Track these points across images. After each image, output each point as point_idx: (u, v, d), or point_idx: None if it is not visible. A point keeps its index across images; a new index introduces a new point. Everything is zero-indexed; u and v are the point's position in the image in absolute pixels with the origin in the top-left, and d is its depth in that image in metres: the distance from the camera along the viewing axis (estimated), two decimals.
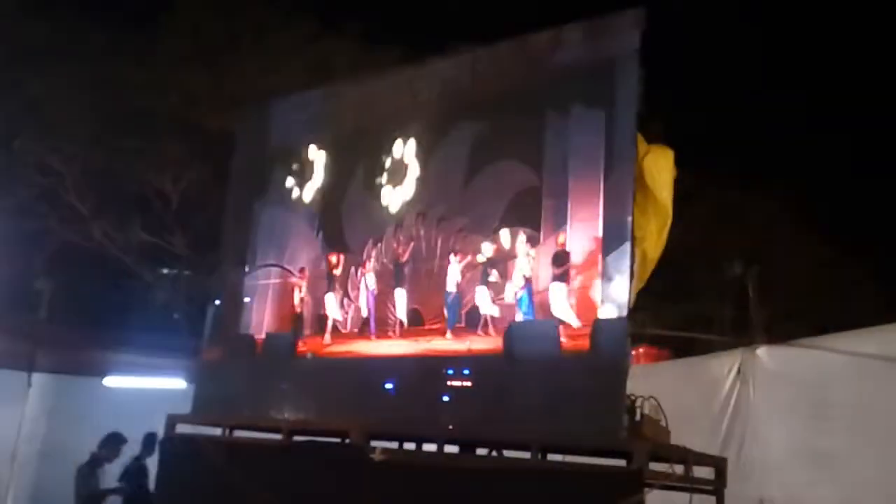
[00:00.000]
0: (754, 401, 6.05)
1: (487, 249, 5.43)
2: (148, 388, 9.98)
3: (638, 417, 4.51)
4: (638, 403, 4.54)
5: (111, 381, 10.00)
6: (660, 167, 5.07)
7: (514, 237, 5.34)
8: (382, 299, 5.87)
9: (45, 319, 10.64)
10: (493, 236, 5.45)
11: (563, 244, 5.08)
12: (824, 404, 5.44)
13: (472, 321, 5.40)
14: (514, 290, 5.23)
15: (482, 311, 5.37)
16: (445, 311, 5.51)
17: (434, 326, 5.57)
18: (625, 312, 4.61)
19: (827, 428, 5.34)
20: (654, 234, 5.07)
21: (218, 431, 6.14)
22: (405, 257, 5.81)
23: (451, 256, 5.56)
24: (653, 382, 5.09)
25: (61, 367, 9.77)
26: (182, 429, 6.38)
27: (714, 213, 9.87)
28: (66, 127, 11.74)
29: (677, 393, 5.66)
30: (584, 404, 4.52)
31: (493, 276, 5.37)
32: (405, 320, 5.72)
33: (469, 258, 5.49)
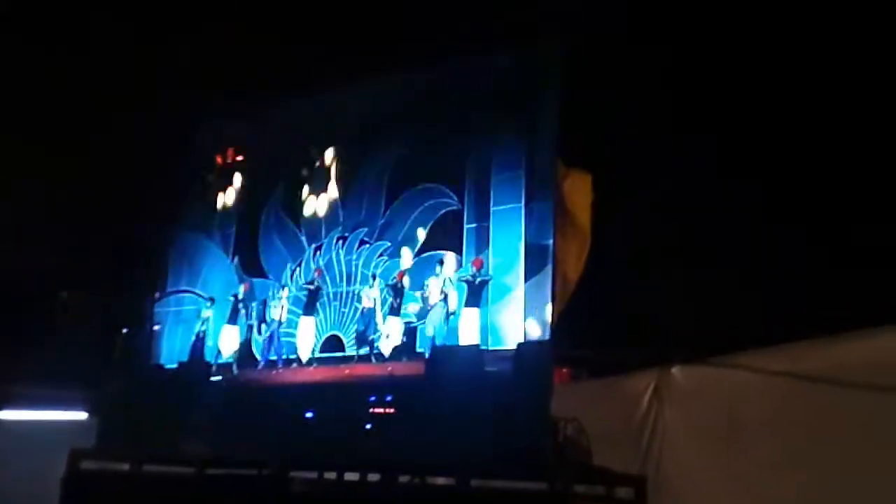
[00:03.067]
0: (670, 420, 6.15)
1: (407, 273, 5.40)
2: (46, 421, 9.46)
3: (561, 439, 4.54)
4: (561, 425, 4.57)
5: (6, 415, 9.43)
6: (579, 191, 5.19)
7: (436, 261, 5.34)
8: (301, 325, 5.76)
9: None
10: (414, 260, 5.43)
11: (479, 268, 5.09)
12: (738, 423, 5.57)
13: (394, 347, 5.35)
14: (434, 314, 5.22)
15: (396, 336, 5.33)
16: (365, 337, 5.45)
17: (353, 353, 5.51)
18: (547, 335, 4.66)
19: (741, 447, 5.46)
20: (574, 256, 5.17)
21: (126, 467, 5.85)
22: (322, 283, 5.73)
23: (371, 281, 5.51)
24: (570, 402, 5.11)
25: None
26: (87, 465, 6.05)
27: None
28: None
29: (594, 413, 5.70)
30: (508, 428, 4.52)
31: (413, 300, 5.35)
32: (317, 348, 5.63)
33: (390, 282, 5.45)
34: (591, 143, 5.41)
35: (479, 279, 5.10)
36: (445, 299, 5.20)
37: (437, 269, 5.27)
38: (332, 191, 5.96)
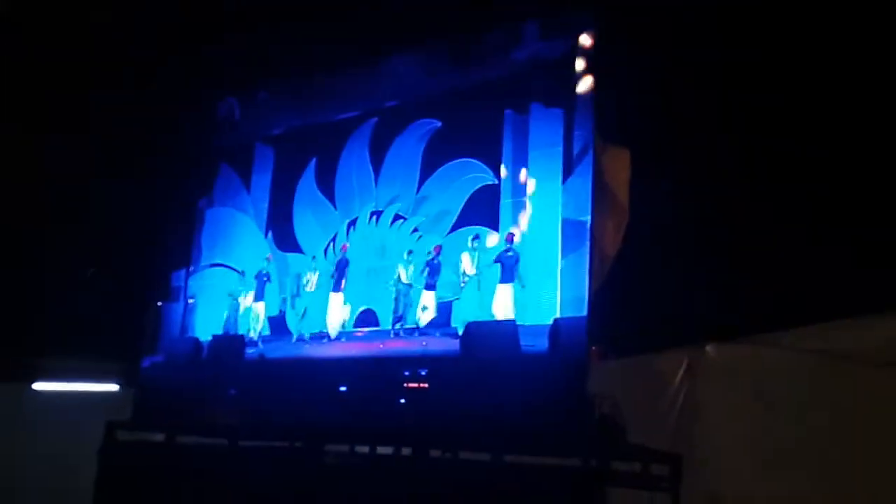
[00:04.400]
0: (703, 398, 6.13)
1: (443, 249, 5.40)
2: (81, 392, 9.63)
3: (597, 416, 4.55)
4: (597, 402, 4.58)
5: (41, 386, 9.61)
6: (617, 167, 5.15)
7: (470, 236, 5.33)
8: (336, 301, 5.79)
9: None
10: (449, 235, 5.44)
11: (511, 243, 5.10)
12: (772, 401, 5.55)
13: (429, 322, 5.37)
14: (468, 289, 5.23)
15: (431, 311, 5.34)
16: (400, 312, 5.47)
17: (388, 327, 5.54)
18: (584, 311, 4.66)
19: (775, 425, 5.45)
20: (612, 232, 5.13)
21: (161, 438, 5.97)
22: (349, 258, 5.76)
23: (406, 256, 5.53)
24: (603, 380, 5.11)
25: None
26: (122, 436, 6.18)
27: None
28: None
29: (628, 391, 5.69)
30: (544, 404, 4.55)
31: (447, 275, 5.36)
32: (351, 322, 5.68)
33: (424, 257, 5.47)
34: (630, 119, 5.35)
35: (510, 254, 5.09)
36: (480, 275, 5.20)
37: (472, 243, 5.26)
38: (367, 164, 5.96)
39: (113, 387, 9.13)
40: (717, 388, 6.12)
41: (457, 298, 5.31)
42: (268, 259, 6.11)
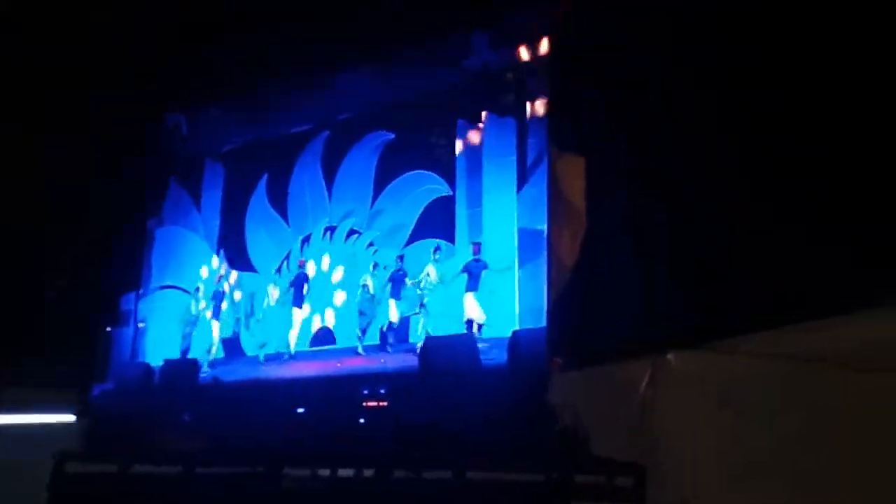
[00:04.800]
0: (667, 408, 6.08)
1: (398, 262, 5.32)
2: (35, 425, 9.29)
3: (559, 428, 4.50)
4: (559, 414, 4.52)
5: None
6: (572, 175, 5.09)
7: (427, 249, 5.27)
8: (298, 317, 5.67)
9: None
10: (405, 248, 5.36)
11: (477, 252, 5.02)
12: (740, 409, 5.50)
13: (386, 337, 5.28)
14: (425, 301, 5.15)
15: (393, 325, 5.26)
16: (358, 329, 5.37)
17: (347, 345, 5.43)
18: (543, 322, 4.60)
19: (744, 434, 5.40)
20: (569, 241, 5.07)
21: (114, 468, 5.74)
22: (311, 275, 5.65)
23: (372, 269, 5.42)
24: (565, 391, 5.04)
25: None
26: (73, 468, 5.93)
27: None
28: None
29: (590, 401, 5.63)
30: (505, 418, 4.45)
31: (405, 289, 5.27)
32: (307, 341, 5.56)
33: (380, 272, 5.37)
34: (582, 127, 5.31)
35: (478, 262, 5.02)
36: (444, 285, 5.12)
37: (434, 256, 5.18)
38: (319, 179, 5.86)
39: (68, 418, 8.84)
40: (681, 396, 6.02)
41: (416, 313, 5.22)
42: (219, 278, 5.93)
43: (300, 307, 5.59)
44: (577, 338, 5.90)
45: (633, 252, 6.20)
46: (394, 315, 5.26)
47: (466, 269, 5.05)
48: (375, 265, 5.32)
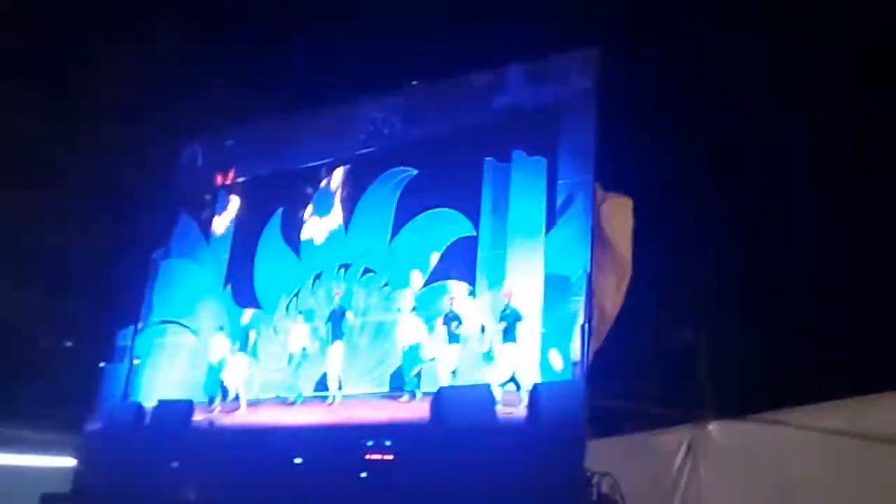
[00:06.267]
0: (706, 481, 5.73)
1: (412, 303, 5.01)
2: (34, 467, 9.05)
3: (595, 497, 4.12)
4: (595, 481, 4.16)
5: None
6: (618, 216, 4.78)
7: (445, 292, 4.94)
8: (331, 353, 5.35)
9: None
10: (421, 291, 5.05)
11: (510, 300, 4.69)
12: (785, 484, 5.12)
13: (394, 384, 4.93)
14: (459, 350, 4.81)
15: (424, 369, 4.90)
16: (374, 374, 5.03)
17: (352, 391, 5.09)
18: (579, 374, 4.22)
19: None
20: (613, 288, 4.72)
21: None
22: (340, 305, 5.35)
23: (410, 311, 5.08)
24: (594, 460, 4.69)
25: None
26: None
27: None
28: None
29: (621, 472, 5.27)
30: (531, 480, 4.06)
31: (420, 333, 4.95)
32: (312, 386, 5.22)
33: (394, 314, 5.06)
34: (629, 166, 5.03)
35: (507, 312, 4.67)
36: (459, 334, 4.78)
37: (452, 300, 4.86)
38: (336, 215, 5.62)
39: (68, 461, 8.56)
40: (723, 470, 5.72)
41: (431, 359, 4.89)
42: (245, 318, 5.68)
43: (340, 338, 5.26)
44: (614, 395, 5.53)
45: (678, 306, 5.86)
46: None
47: (503, 318, 4.69)
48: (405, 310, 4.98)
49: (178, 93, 6.46)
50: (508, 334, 4.65)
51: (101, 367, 6.15)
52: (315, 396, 5.24)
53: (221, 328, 5.83)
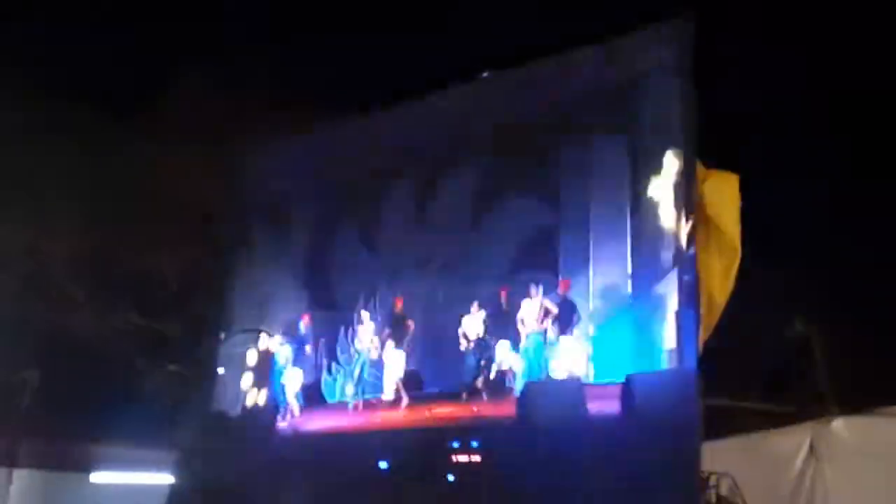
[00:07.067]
0: (832, 480, 5.19)
1: (497, 299, 4.74)
2: (137, 485, 9.22)
3: (713, 500, 3.84)
4: (712, 482, 3.87)
5: (99, 477, 9.27)
6: (724, 195, 4.31)
7: (529, 283, 4.65)
8: (377, 362, 5.17)
9: (27, 410, 10.00)
10: (504, 283, 4.77)
11: (566, 290, 4.44)
12: None
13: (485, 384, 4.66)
14: (530, 343, 4.51)
15: (501, 366, 4.65)
16: (461, 372, 4.78)
17: (435, 390, 4.85)
18: (691, 364, 3.86)
19: None
20: (720, 273, 4.27)
21: None
22: (402, 312, 5.15)
23: (469, 309, 4.84)
24: (711, 460, 4.25)
25: (45, 461, 9.05)
26: None
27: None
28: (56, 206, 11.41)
29: (740, 472, 4.79)
30: (636, 481, 3.68)
31: (504, 327, 4.66)
32: (401, 384, 5.01)
33: (477, 310, 4.79)
34: (731, 142, 4.56)
35: (565, 302, 4.43)
36: (545, 327, 4.48)
37: (532, 291, 4.56)
38: (412, 212, 5.44)
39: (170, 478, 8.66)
40: (849, 469, 5.17)
41: (515, 353, 4.60)
42: (305, 323, 5.56)
43: (401, 349, 5.05)
44: (723, 388, 5.06)
45: (792, 295, 5.31)
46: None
47: (564, 307, 4.45)
48: (466, 303, 4.73)
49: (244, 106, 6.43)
50: (564, 325, 4.41)
51: (183, 377, 6.15)
52: (398, 396, 5.03)
53: (300, 333, 5.70)
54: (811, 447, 5.32)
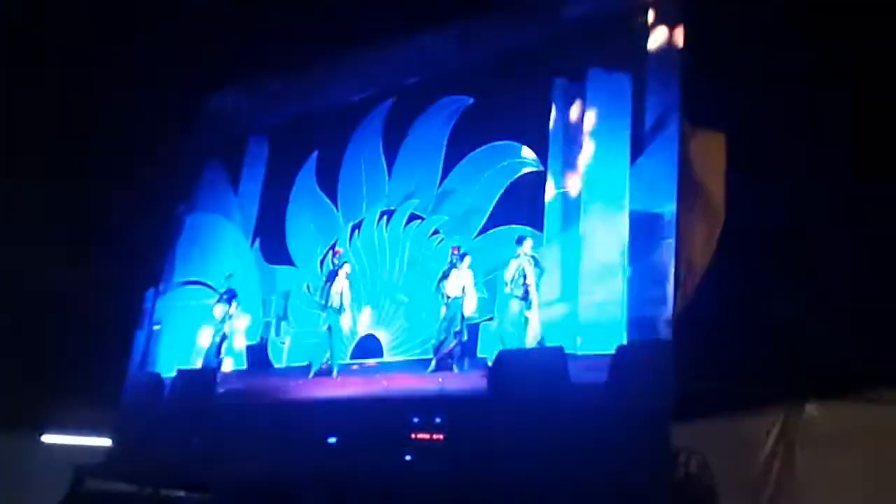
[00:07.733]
0: (801, 465, 5.07)
1: (471, 254, 4.23)
2: (95, 447, 8.63)
3: (682, 476, 3.61)
4: (682, 459, 3.64)
5: (51, 438, 8.64)
6: (709, 155, 4.00)
7: (512, 238, 4.15)
8: (332, 324, 4.63)
9: None
10: (477, 238, 4.28)
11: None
12: (892, 470, 4.39)
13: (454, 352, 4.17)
14: (510, 307, 4.02)
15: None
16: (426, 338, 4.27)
17: (396, 357, 4.32)
18: (666, 334, 3.51)
19: None
20: (702, 237, 3.98)
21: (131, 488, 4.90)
22: (354, 266, 4.63)
23: (460, 262, 4.31)
24: (681, 441, 3.97)
25: None
26: (92, 485, 5.10)
27: None
28: None
29: (710, 454, 4.57)
30: (608, 460, 3.39)
31: (477, 288, 4.16)
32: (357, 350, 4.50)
33: (450, 267, 4.27)
34: (727, 96, 4.15)
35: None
36: (526, 289, 3.98)
37: (516, 249, 4.05)
38: (379, 155, 4.86)
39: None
40: (820, 456, 5.01)
41: (489, 318, 4.09)
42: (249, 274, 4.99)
43: (357, 310, 4.65)
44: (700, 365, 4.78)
45: (778, 262, 5.05)
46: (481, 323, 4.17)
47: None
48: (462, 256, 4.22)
49: (198, 44, 5.75)
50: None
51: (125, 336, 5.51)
52: (352, 364, 4.49)
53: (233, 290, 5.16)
54: (782, 431, 5.18)
